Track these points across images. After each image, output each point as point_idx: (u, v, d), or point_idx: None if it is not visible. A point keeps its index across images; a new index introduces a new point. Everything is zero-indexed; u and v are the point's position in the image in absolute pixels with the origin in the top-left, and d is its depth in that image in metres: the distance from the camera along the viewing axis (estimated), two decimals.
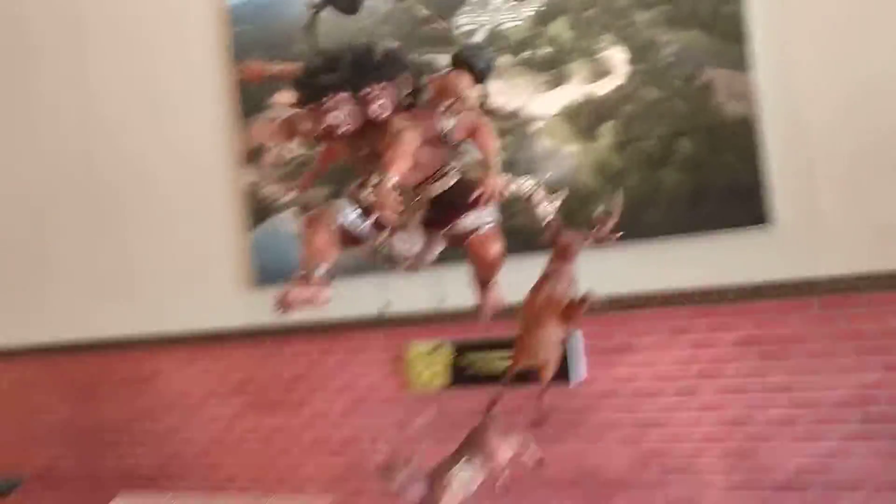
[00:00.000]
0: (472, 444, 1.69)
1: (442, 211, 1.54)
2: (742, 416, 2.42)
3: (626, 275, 2.50)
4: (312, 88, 1.54)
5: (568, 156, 2.58)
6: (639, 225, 2.47)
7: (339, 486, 3.01)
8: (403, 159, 1.46)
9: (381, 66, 1.52)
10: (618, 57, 2.53)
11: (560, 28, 2.61)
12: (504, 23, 2.69)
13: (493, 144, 1.55)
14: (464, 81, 1.54)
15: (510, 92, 2.67)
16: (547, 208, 1.60)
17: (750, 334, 2.42)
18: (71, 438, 3.53)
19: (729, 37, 2.36)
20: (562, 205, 1.63)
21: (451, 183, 1.58)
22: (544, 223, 1.61)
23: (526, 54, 2.65)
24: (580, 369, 2.61)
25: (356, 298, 2.94)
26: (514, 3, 2.68)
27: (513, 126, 2.66)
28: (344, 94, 1.51)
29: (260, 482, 3.17)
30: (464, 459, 1.64)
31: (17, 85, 3.68)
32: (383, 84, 1.51)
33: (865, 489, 2.28)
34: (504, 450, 1.65)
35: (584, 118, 2.56)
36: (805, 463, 2.35)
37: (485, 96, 1.57)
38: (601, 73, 2.55)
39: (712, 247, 2.41)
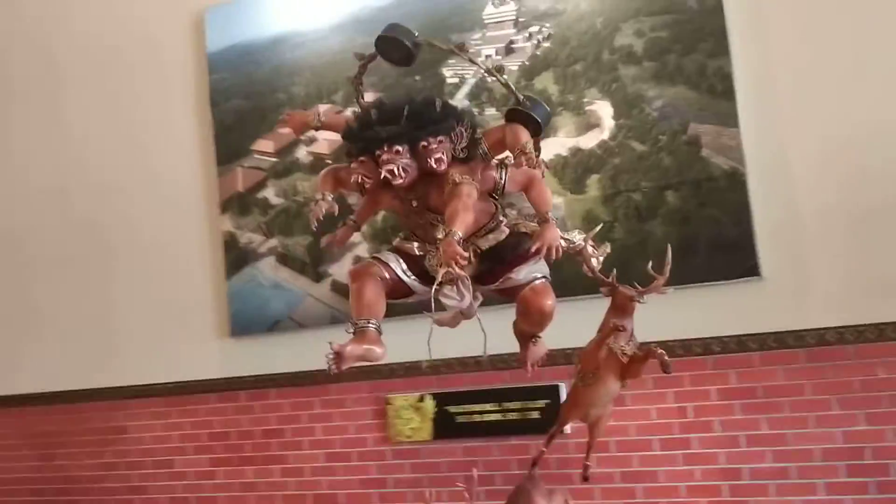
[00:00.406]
0: None
1: (493, 264, 1.52)
2: (731, 469, 2.42)
3: None
4: (367, 140, 1.52)
5: (555, 207, 2.58)
6: (626, 277, 2.48)
7: None
8: (467, 214, 1.46)
9: (439, 120, 1.52)
10: (603, 111, 2.57)
11: (546, 82, 2.64)
12: (489, 76, 2.71)
13: (549, 198, 1.56)
14: (525, 135, 1.53)
15: None
16: (595, 261, 1.60)
17: (737, 386, 2.43)
18: (37, 492, 3.38)
19: (715, 93, 2.41)
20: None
21: (503, 236, 1.56)
22: (593, 276, 1.60)
23: None
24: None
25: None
26: (500, 56, 2.72)
27: None
28: (401, 147, 1.50)
29: None
30: None
31: None
32: (440, 138, 1.51)
33: None
34: None
35: (571, 171, 2.58)
36: None
37: (539, 150, 1.56)
38: (587, 126, 2.58)
39: (700, 299, 2.42)
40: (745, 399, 2.42)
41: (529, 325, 1.67)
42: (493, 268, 1.54)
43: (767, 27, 2.41)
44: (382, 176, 1.51)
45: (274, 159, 3.04)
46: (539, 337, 1.72)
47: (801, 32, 2.39)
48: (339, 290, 2.89)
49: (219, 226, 3.11)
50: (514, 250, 1.56)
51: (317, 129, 1.74)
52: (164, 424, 3.20)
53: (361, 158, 1.54)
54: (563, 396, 2.58)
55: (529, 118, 1.57)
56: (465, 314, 1.59)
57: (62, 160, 3.41)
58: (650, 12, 2.51)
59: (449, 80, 2.78)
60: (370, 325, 1.50)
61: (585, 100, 2.58)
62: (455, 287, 1.53)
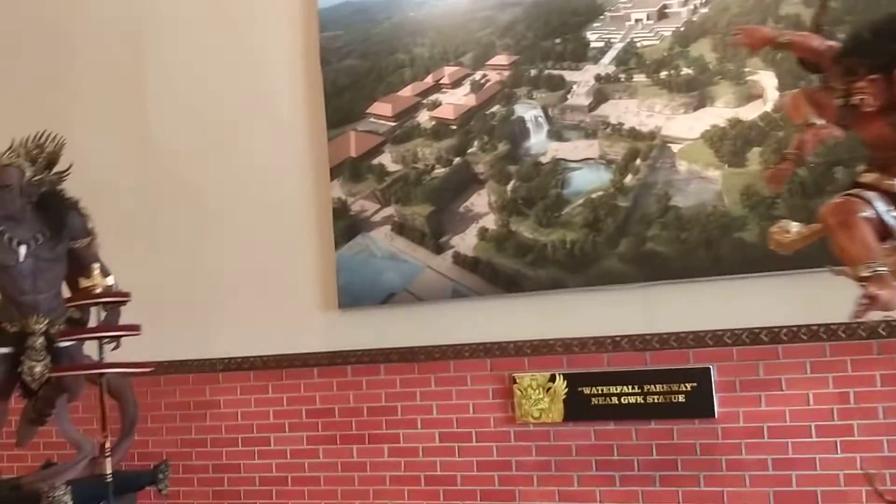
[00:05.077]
0: None
1: None
2: (893, 456, 2.41)
3: (774, 307, 2.49)
4: (852, 64, 1.50)
5: (710, 181, 2.57)
6: (789, 256, 2.46)
7: None
8: None
9: None
10: (766, 81, 2.54)
11: (703, 49, 2.61)
12: (638, 41, 2.68)
13: None
14: None
15: (645, 112, 2.66)
16: None
17: None
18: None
19: None
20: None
21: None
22: None
23: (663, 74, 2.64)
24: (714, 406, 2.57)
25: (451, 325, 2.88)
26: (652, 21, 2.68)
27: (648, 148, 2.64)
28: (877, 75, 1.47)
29: None
30: None
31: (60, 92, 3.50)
32: None
33: None
34: None
35: (730, 143, 2.55)
36: None
37: None
38: (748, 97, 2.55)
39: None
40: None
41: None
42: None
43: None
44: (855, 100, 1.47)
45: (392, 123, 2.98)
46: None
47: None
48: (462, 262, 2.85)
49: (328, 192, 3.04)
50: None
51: (779, 47, 1.65)
52: (258, 399, 3.15)
53: (872, 77, 1.48)
54: (714, 379, 2.56)
55: None
56: None
57: (164, 120, 3.33)
58: None
59: (594, 45, 2.74)
60: (882, 269, 1.44)
61: (746, 69, 2.55)
62: None
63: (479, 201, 2.85)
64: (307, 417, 3.08)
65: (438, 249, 2.89)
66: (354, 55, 3.04)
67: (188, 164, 3.26)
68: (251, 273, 3.16)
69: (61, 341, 2.57)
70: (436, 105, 2.93)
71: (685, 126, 2.61)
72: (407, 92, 2.97)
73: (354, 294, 2.99)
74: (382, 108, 3.00)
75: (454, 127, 2.89)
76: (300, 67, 3.13)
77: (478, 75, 2.88)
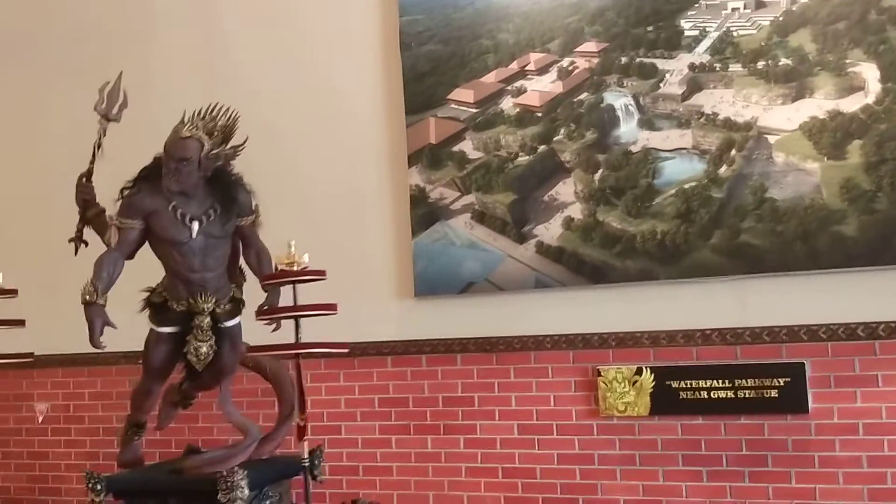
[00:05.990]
0: None
1: None
2: None
3: (872, 302, 2.48)
4: None
5: (808, 173, 2.56)
6: (890, 250, 2.46)
7: None
8: None
9: None
10: (868, 74, 2.52)
11: (802, 40, 2.60)
12: (735, 30, 2.67)
13: None
14: None
15: (741, 102, 2.65)
16: None
17: None
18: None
19: None
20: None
21: None
22: None
23: (761, 65, 2.63)
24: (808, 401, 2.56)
25: (532, 315, 2.87)
26: (749, 10, 2.66)
27: (744, 139, 2.63)
28: None
29: None
30: None
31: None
32: None
33: None
34: None
35: (829, 135, 2.54)
36: None
37: None
38: (849, 89, 2.54)
39: None
40: None
41: None
42: None
43: None
44: None
45: (474, 110, 2.97)
46: None
47: None
48: (546, 252, 2.84)
49: (405, 179, 3.04)
50: None
51: None
52: (329, 388, 3.14)
53: None
54: (808, 375, 2.55)
55: None
56: None
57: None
58: None
59: (688, 33, 2.73)
60: None
61: (848, 61, 2.54)
62: None
63: (565, 190, 2.84)
64: (380, 406, 3.08)
65: (521, 239, 2.88)
66: (435, 40, 3.03)
67: (262, 150, 3.22)
68: (325, 259, 3.12)
69: (260, 321, 2.45)
70: (521, 92, 2.92)
71: (783, 117, 2.60)
72: (490, 78, 2.96)
73: (431, 282, 2.98)
74: (464, 94, 2.99)
75: (539, 114, 2.88)
76: (379, 52, 3.12)
77: (565, 62, 2.87)
